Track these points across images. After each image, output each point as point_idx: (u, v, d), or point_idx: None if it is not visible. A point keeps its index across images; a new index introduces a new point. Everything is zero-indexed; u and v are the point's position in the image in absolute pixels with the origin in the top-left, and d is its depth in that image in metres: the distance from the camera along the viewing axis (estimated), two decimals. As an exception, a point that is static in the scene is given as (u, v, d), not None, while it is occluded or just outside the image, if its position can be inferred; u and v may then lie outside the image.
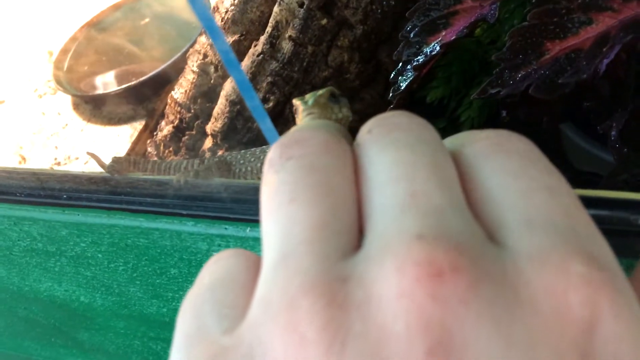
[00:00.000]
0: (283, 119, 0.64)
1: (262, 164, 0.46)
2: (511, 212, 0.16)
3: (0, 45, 1.06)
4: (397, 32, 0.65)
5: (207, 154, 0.65)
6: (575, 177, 0.61)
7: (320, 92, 0.44)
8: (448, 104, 0.68)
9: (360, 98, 0.67)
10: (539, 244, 0.15)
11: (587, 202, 0.34)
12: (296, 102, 0.40)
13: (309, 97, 0.40)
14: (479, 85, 0.65)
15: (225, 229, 0.34)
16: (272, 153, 0.18)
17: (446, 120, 0.68)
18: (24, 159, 0.82)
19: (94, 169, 0.75)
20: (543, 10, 0.36)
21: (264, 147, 0.51)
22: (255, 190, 0.36)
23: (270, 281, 0.15)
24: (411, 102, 0.59)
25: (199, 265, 0.37)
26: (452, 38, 0.48)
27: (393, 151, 0.17)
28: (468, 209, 0.17)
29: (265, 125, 0.26)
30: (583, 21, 0.35)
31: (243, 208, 0.34)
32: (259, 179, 0.50)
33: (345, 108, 0.37)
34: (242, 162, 0.48)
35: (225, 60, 0.21)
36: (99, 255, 0.40)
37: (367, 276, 0.14)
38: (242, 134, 0.66)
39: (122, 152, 0.78)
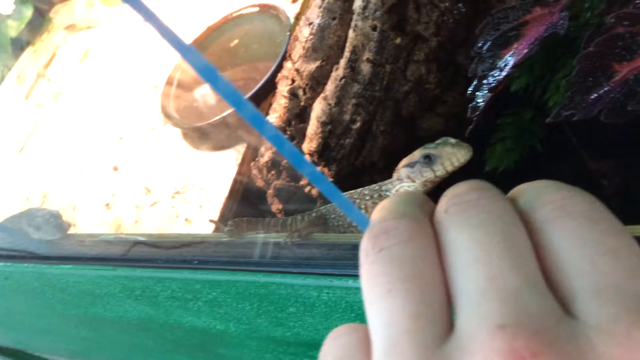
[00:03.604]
0: (371, 136, 0.67)
1: None
2: (580, 280, 0.18)
3: (112, 84, 1.18)
4: (472, 34, 0.66)
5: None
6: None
7: (442, 140, 0.50)
8: (533, 91, 0.68)
9: (443, 102, 0.68)
10: (606, 314, 0.17)
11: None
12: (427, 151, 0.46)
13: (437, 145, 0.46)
14: (564, 69, 0.65)
15: (331, 281, 0.39)
16: (365, 243, 0.22)
17: (533, 108, 0.68)
18: (148, 190, 0.92)
19: (210, 195, 0.83)
20: (606, 38, 0.37)
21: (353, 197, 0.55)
22: (352, 248, 0.41)
23: None
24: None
25: (312, 305, 0.42)
26: (525, 51, 0.49)
27: (468, 233, 0.20)
28: (543, 280, 0.19)
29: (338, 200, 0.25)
30: (649, 42, 0.36)
31: (344, 265, 0.39)
32: (351, 231, 0.55)
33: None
34: (333, 216, 0.54)
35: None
36: (229, 300, 0.47)
37: None
38: (336, 151, 0.70)
39: (231, 175, 0.86)
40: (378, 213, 0.23)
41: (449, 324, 0.19)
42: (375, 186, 0.55)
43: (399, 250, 0.21)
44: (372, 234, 0.22)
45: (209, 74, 0.21)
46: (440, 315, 0.19)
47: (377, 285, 0.20)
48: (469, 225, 0.20)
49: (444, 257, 0.21)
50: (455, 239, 0.20)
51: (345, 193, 0.57)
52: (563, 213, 0.20)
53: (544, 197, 0.21)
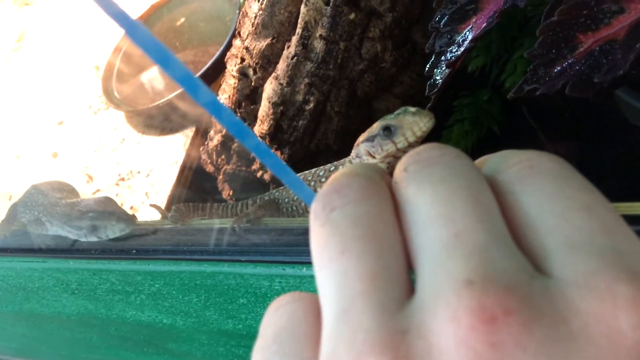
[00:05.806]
0: (325, 118, 0.65)
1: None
2: (552, 236, 0.17)
3: (50, 66, 1.11)
4: (428, 10, 0.64)
5: (257, 162, 0.66)
6: (631, 131, 0.60)
7: (401, 110, 0.47)
8: (490, 71, 0.66)
9: (400, 82, 0.66)
10: (583, 269, 0.15)
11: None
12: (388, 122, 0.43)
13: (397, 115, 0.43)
14: (521, 48, 0.64)
15: (284, 269, 0.36)
16: (315, 204, 0.19)
17: (490, 89, 0.67)
18: (90, 178, 0.87)
19: (157, 182, 0.79)
20: (571, 5, 0.35)
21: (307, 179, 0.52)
22: (305, 233, 0.38)
23: (334, 338, 0.16)
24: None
25: (264, 296, 0.39)
26: (484, 25, 0.47)
27: (429, 189, 0.18)
28: (511, 239, 0.17)
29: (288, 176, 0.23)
30: (615, 10, 0.34)
31: (297, 251, 0.36)
32: (307, 214, 0.51)
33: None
34: (286, 200, 0.50)
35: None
36: (173, 292, 0.44)
37: (424, 327, 0.15)
38: (289, 133, 0.67)
39: (179, 160, 0.81)
40: (330, 178, 0.21)
41: (409, 287, 0.17)
42: (330, 166, 0.51)
43: (352, 209, 0.18)
44: (323, 193, 0.19)
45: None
46: (399, 277, 0.17)
47: (328, 247, 0.18)
48: (430, 182, 0.18)
49: (402, 217, 0.18)
50: (415, 196, 0.18)
51: (299, 174, 0.54)
52: (532, 172, 0.18)
53: (509, 160, 0.19)
